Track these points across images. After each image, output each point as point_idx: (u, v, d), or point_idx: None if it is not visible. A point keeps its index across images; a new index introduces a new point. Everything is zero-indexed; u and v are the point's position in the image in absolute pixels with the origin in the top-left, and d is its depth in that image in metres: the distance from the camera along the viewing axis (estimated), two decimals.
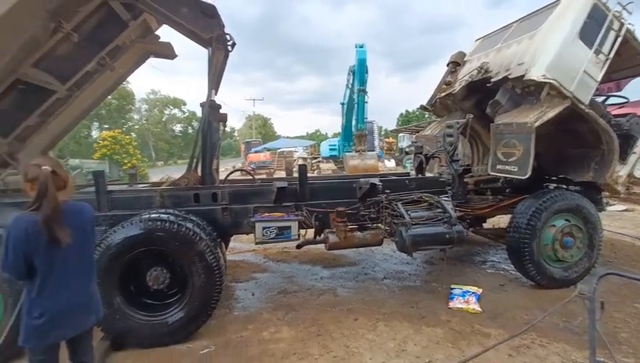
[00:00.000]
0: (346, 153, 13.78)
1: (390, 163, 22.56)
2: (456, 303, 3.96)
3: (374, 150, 18.09)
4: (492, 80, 4.70)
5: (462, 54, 6.01)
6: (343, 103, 16.04)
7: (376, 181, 3.84)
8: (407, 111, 56.03)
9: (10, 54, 3.24)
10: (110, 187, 3.87)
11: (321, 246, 4.20)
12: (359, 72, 12.18)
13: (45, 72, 4.24)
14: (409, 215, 3.70)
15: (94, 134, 39.95)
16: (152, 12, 3.93)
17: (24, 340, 2.00)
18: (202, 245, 3.27)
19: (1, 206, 3.48)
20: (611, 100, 5.09)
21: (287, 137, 50.17)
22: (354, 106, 13.25)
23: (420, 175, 4.91)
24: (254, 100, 49.87)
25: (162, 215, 3.32)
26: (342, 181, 4.43)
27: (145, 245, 3.26)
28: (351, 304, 4.11)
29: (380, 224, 4.05)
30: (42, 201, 1.94)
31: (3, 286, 3.01)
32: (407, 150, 24.82)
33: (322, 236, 4.09)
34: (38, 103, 4.53)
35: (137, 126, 55.43)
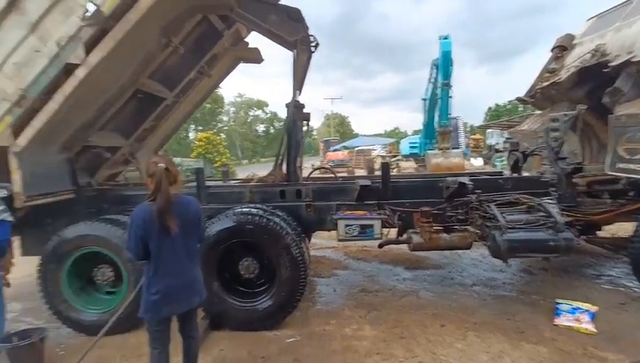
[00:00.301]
0: (428, 151, 13.16)
1: (477, 162, 20.90)
2: (563, 320, 3.48)
3: (459, 148, 16.96)
4: (611, 64, 4.03)
5: (570, 37, 5.27)
6: (424, 99, 15.33)
7: (466, 180, 3.58)
8: (496, 105, 51.32)
9: (133, 68, 3.78)
10: (207, 183, 4.28)
11: (403, 246, 4.08)
12: (443, 66, 11.49)
13: (158, 82, 4.88)
14: (504, 217, 3.37)
15: (191, 135, 44.64)
16: (243, 21, 4.22)
17: (143, 312, 2.32)
18: (288, 239, 3.42)
19: (125, 197, 4.09)
20: None
21: (365, 135, 49.87)
22: (437, 101, 12.57)
23: (516, 175, 4.44)
24: (332, 99, 50.80)
25: (252, 210, 3.56)
26: (427, 180, 4.22)
27: (237, 236, 3.52)
28: (436, 309, 3.91)
29: (469, 227, 3.77)
30: (157, 194, 2.23)
31: (127, 265, 3.54)
32: (498, 147, 22.72)
33: (405, 236, 3.97)
34: (152, 109, 5.23)
35: (225, 127, 60.61)
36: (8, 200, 3.20)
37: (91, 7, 3.03)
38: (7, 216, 3.15)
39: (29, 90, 3.11)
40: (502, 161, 17.88)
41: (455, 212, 3.73)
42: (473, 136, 28.52)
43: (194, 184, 3.99)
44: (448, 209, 3.74)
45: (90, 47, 3.09)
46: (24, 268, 4.00)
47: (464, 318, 3.68)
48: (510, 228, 3.31)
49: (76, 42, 3.04)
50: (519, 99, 5.86)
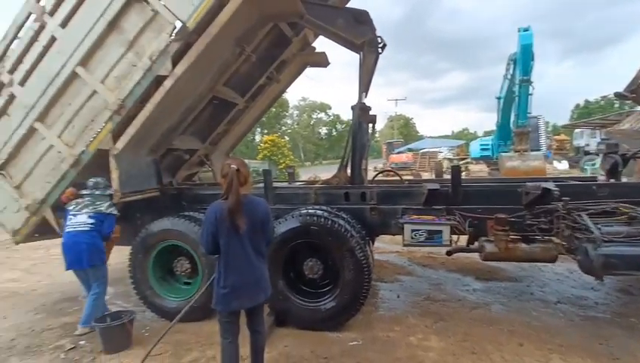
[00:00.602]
0: (503, 154, 12.14)
1: (562, 165, 18.82)
2: None
3: (539, 150, 15.41)
4: None
5: None
6: (499, 98, 14.21)
7: (551, 185, 3.23)
8: (586, 101, 45.75)
9: (211, 76, 4.08)
10: (274, 184, 4.44)
11: (473, 255, 3.81)
12: (523, 60, 10.50)
13: (231, 89, 5.21)
14: (599, 229, 2.96)
15: (257, 138, 46.92)
16: (312, 27, 4.32)
17: (215, 304, 2.47)
18: (352, 242, 3.41)
19: (201, 196, 4.42)
20: None
21: (431, 136, 47.86)
22: (514, 99, 11.54)
23: (614, 180, 3.89)
24: (396, 100, 49.59)
25: (317, 211, 3.61)
26: (503, 185, 3.89)
27: (302, 237, 3.59)
28: (512, 325, 3.58)
29: (553, 238, 3.39)
30: (229, 193, 2.36)
31: (202, 259, 3.82)
32: (588, 149, 20.27)
33: (477, 244, 3.70)
34: (226, 114, 5.60)
35: (289, 130, 62.63)
36: (111, 197, 3.77)
37: (178, 24, 3.34)
38: (114, 210, 3.77)
39: (127, 100, 3.53)
40: (593, 165, 15.87)
41: (537, 220, 3.37)
42: (556, 137, 25.75)
43: (262, 185, 4.17)
44: (529, 217, 3.40)
45: (176, 60, 3.42)
46: (116, 256, 4.53)
47: (547, 339, 3.32)
48: (606, 241, 2.90)
49: (165, 56, 3.39)
50: (617, 94, 5.14)
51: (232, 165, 2.40)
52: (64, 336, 3.76)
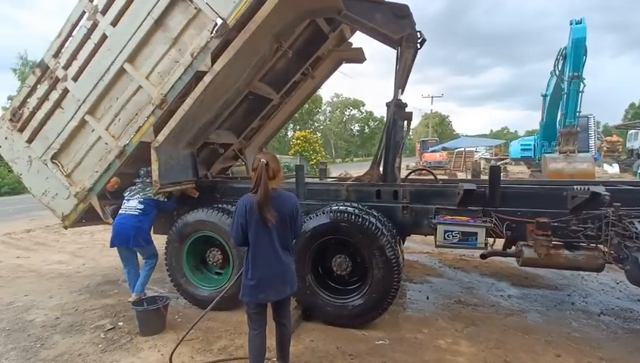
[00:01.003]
0: (546, 155, 11.44)
1: (613, 169, 17.52)
2: None
3: (588, 152, 14.41)
4: None
5: None
6: (545, 95, 13.40)
7: (600, 189, 3.02)
8: None
9: (248, 71, 4.16)
10: (306, 180, 4.47)
11: (510, 259, 3.65)
12: (574, 55, 9.75)
13: (267, 85, 5.29)
14: None
15: (289, 133, 47.32)
16: (349, 22, 4.27)
17: (242, 295, 2.53)
18: (383, 240, 3.37)
19: (235, 189, 4.54)
20: None
21: (468, 135, 46.18)
22: (562, 97, 10.82)
23: None
24: (432, 97, 47.90)
25: (348, 208, 3.60)
26: (546, 187, 3.69)
27: (332, 233, 3.60)
28: (550, 335, 3.40)
29: (600, 245, 3.18)
30: (258, 187, 2.40)
31: (234, 251, 3.93)
32: None
33: (514, 248, 3.54)
34: (260, 109, 5.69)
35: (321, 126, 62.65)
36: None
37: (219, 21, 3.43)
38: (161, 197, 4.12)
39: (169, 95, 3.69)
40: None
41: (583, 226, 3.17)
42: (608, 138, 23.98)
43: (294, 180, 4.21)
44: (574, 222, 3.20)
45: (215, 56, 3.51)
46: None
47: (587, 351, 3.13)
48: None
49: (205, 53, 3.50)
50: None
51: (262, 160, 2.44)
52: (105, 316, 4.02)
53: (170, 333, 3.56)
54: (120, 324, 3.82)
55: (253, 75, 4.48)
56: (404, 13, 3.90)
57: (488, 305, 4.14)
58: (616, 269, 3.64)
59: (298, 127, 48.73)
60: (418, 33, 3.97)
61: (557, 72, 11.25)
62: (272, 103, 5.69)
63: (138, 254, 4.19)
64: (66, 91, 4.02)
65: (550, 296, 4.40)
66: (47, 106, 4.11)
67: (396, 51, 4.23)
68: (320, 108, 60.81)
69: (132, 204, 4.02)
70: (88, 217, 4.51)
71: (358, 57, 5.73)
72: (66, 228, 4.58)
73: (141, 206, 4.00)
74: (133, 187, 4.16)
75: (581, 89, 10.10)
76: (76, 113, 4.02)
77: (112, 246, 4.04)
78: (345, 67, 6.14)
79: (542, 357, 3.06)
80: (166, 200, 4.20)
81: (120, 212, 4.04)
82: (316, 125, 60.67)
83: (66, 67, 3.97)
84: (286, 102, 6.04)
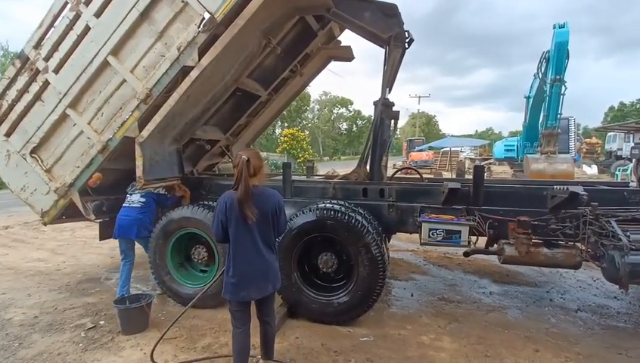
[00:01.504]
0: (529, 156, 11.72)
1: (591, 170, 18.06)
2: None
3: (568, 153, 14.81)
4: None
5: None
6: (528, 97, 13.70)
7: (579, 189, 3.11)
8: (621, 103, 43.60)
9: (235, 67, 4.12)
10: (293, 178, 4.46)
11: (492, 257, 3.74)
12: (556, 58, 9.98)
13: (254, 81, 5.25)
14: (628, 237, 2.85)
15: (277, 131, 47.10)
16: (338, 20, 4.28)
17: (224, 293, 2.51)
18: (368, 237, 3.40)
19: (221, 186, 4.50)
20: None
21: (454, 135, 46.81)
22: (544, 99, 11.09)
23: None
24: (419, 97, 48.25)
25: (334, 206, 3.61)
26: (528, 187, 3.78)
27: (318, 231, 3.60)
28: (529, 331, 3.50)
29: (578, 244, 3.28)
30: (239, 184, 2.37)
31: (219, 248, 3.90)
32: (620, 153, 19.41)
33: (496, 247, 3.62)
34: (248, 106, 5.65)
35: (309, 124, 62.58)
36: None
37: (207, 15, 3.38)
38: (162, 190, 4.33)
39: (154, 89, 3.62)
40: (625, 170, 15.19)
41: (562, 225, 3.27)
42: (587, 140, 24.70)
43: (281, 177, 4.20)
44: (553, 221, 3.30)
45: (202, 51, 3.47)
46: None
47: (565, 346, 3.23)
48: (634, 250, 2.79)
49: (192, 47, 3.45)
50: None
51: (243, 156, 2.40)
52: (85, 315, 3.93)
53: (153, 332, 3.51)
54: (102, 322, 3.75)
55: (240, 71, 4.44)
56: (392, 12, 3.93)
57: (470, 301, 4.22)
58: (593, 267, 3.77)
59: (286, 124, 48.54)
60: (406, 33, 4.01)
61: (540, 75, 11.51)
62: (260, 100, 5.66)
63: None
64: (46, 84, 3.91)
65: (530, 292, 4.52)
66: (26, 98, 3.99)
67: (384, 50, 4.26)
68: (308, 106, 60.72)
69: (134, 198, 4.17)
70: (69, 213, 4.40)
71: (346, 55, 5.75)
72: (45, 224, 4.46)
73: (143, 200, 4.16)
74: (135, 182, 4.09)
75: (562, 92, 10.36)
76: (56, 107, 3.91)
77: (114, 237, 4.15)
78: (333, 65, 6.15)
79: (521, 352, 3.15)
80: (167, 194, 4.34)
81: (124, 205, 4.19)
82: (304, 122, 60.55)
83: (47, 59, 3.85)
84: (274, 99, 6.02)
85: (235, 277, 2.44)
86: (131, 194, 4.21)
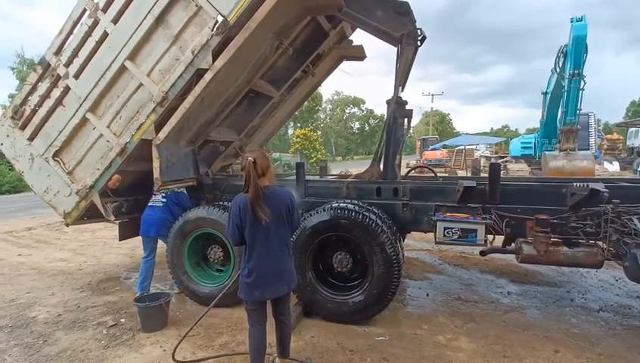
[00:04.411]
0: (547, 153, 11.44)
1: (613, 166, 17.49)
2: None
3: (588, 150, 14.39)
4: None
5: None
6: (545, 93, 13.36)
7: (600, 186, 3.03)
8: None
9: (249, 69, 4.17)
10: (306, 177, 4.47)
11: (509, 256, 3.67)
12: (575, 53, 9.70)
13: (267, 82, 5.29)
14: None
15: (290, 131, 47.23)
16: (350, 19, 4.27)
17: (239, 293, 2.54)
18: (383, 237, 3.39)
19: (235, 186, 4.56)
20: None
21: (469, 133, 46.09)
22: (562, 94, 10.80)
23: None
24: (432, 95, 47.74)
25: (348, 205, 3.61)
26: (546, 185, 3.70)
27: (332, 230, 3.61)
28: (549, 331, 3.43)
29: (599, 242, 3.19)
30: (249, 186, 2.38)
31: (234, 248, 3.95)
32: None
33: (513, 246, 3.56)
34: (261, 107, 5.69)
35: (322, 124, 62.52)
36: None
37: (220, 19, 3.44)
38: (183, 189, 4.50)
39: (170, 92, 3.70)
40: None
41: (582, 223, 3.19)
42: (608, 136, 23.96)
43: (294, 177, 4.22)
44: (573, 219, 3.22)
45: (216, 53, 3.52)
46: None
47: (586, 347, 3.15)
48: None
49: (206, 50, 3.51)
50: None
51: (249, 158, 2.39)
52: (107, 313, 4.04)
53: (172, 330, 3.58)
54: (122, 320, 3.84)
55: (253, 72, 4.49)
56: (405, 10, 3.91)
57: (487, 301, 4.16)
58: (615, 266, 3.67)
59: (298, 125, 48.62)
60: (419, 31, 3.98)
61: (558, 70, 11.22)
62: (273, 100, 5.70)
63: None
64: (67, 89, 4.03)
65: (549, 292, 4.42)
66: (48, 103, 4.12)
67: (396, 49, 4.24)
68: (320, 106, 60.65)
69: (157, 198, 4.37)
70: (90, 215, 4.53)
71: (358, 54, 5.74)
72: (67, 225, 4.60)
73: (165, 200, 4.35)
74: None
75: (581, 87, 10.07)
76: (77, 111, 4.03)
77: (140, 234, 4.38)
78: (345, 65, 6.14)
79: (541, 352, 3.08)
80: (187, 194, 4.55)
81: (149, 204, 4.40)
82: (317, 123, 60.56)
83: (67, 65, 3.98)
84: (286, 100, 6.05)
85: (250, 277, 2.46)
86: (155, 194, 4.38)
